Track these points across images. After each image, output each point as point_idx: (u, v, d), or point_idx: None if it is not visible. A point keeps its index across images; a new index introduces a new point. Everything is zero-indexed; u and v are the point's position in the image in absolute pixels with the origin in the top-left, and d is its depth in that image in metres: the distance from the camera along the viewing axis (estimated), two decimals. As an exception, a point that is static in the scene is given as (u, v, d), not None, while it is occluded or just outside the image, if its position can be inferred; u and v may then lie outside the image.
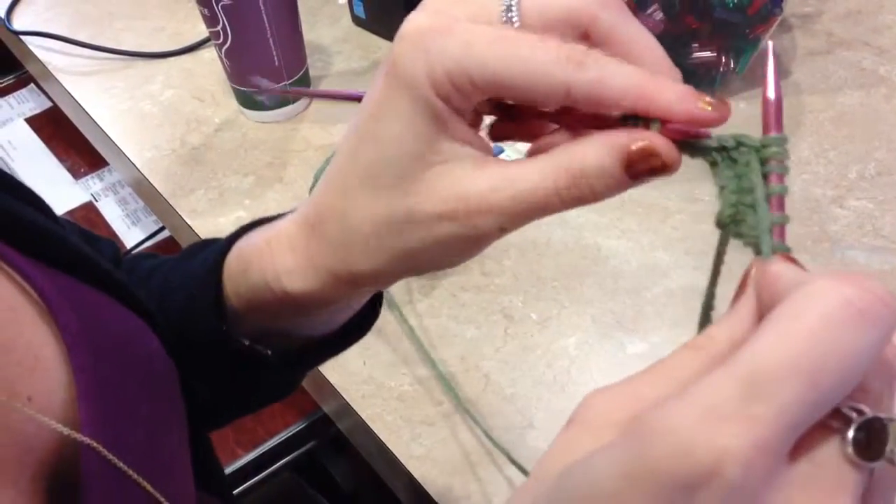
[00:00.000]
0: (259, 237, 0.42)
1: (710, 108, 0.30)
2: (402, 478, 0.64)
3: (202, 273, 0.45)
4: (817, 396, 0.23)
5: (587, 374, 0.67)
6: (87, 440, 0.32)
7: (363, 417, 0.66)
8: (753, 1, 0.81)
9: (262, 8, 0.84)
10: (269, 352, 0.47)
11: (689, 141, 0.31)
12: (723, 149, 0.31)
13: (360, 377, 0.69)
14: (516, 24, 0.32)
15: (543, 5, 0.32)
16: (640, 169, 0.30)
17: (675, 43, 0.85)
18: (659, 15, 0.83)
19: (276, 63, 0.89)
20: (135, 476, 0.34)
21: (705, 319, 0.33)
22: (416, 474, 0.62)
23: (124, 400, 0.36)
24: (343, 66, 1.02)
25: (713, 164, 0.31)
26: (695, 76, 0.88)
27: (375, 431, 0.65)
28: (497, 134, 0.37)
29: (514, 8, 0.32)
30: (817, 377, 0.22)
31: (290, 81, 0.92)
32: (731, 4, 0.81)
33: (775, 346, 0.23)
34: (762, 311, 0.27)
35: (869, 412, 0.24)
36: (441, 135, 0.32)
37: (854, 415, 0.24)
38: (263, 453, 0.89)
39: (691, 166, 0.87)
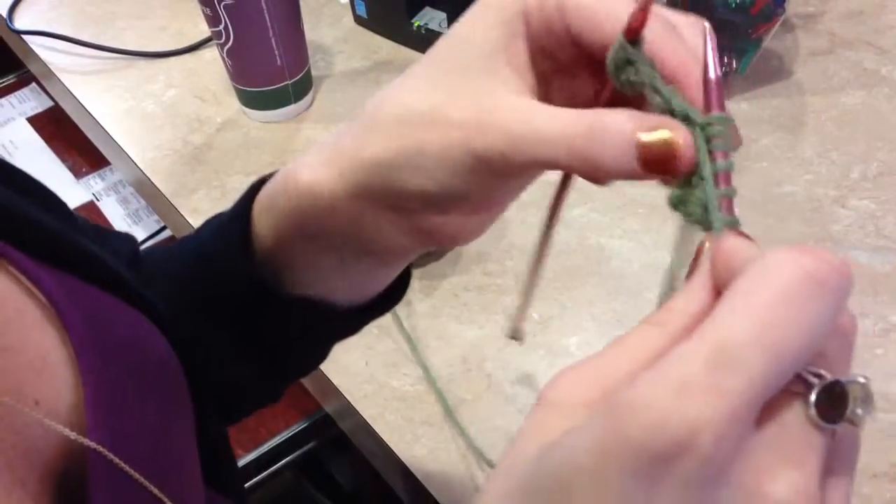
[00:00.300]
0: (285, 172, 0.42)
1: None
2: (404, 478, 0.64)
3: (228, 219, 0.45)
4: (782, 365, 0.24)
5: (589, 374, 0.67)
6: (93, 445, 0.32)
7: (365, 417, 0.66)
8: (756, 1, 0.81)
9: (265, 7, 0.84)
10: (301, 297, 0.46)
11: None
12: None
13: (361, 377, 0.69)
14: None
15: None
16: (653, 160, 0.30)
17: (677, 43, 0.85)
18: (661, 15, 0.83)
19: (279, 63, 0.89)
20: (142, 480, 0.34)
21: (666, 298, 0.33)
22: (418, 474, 0.62)
23: (132, 403, 0.36)
24: (345, 66, 1.02)
25: None
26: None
27: (377, 431, 0.65)
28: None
29: None
30: (781, 347, 0.23)
31: (293, 81, 0.92)
32: (734, 4, 0.81)
33: (740, 318, 0.24)
34: (719, 286, 0.27)
35: (828, 376, 0.25)
36: (505, 51, 0.34)
37: (815, 380, 0.25)
38: (265, 453, 0.89)
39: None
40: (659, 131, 0.30)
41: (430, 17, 1.00)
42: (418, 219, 0.38)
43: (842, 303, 0.24)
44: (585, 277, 0.74)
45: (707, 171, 0.30)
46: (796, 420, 0.25)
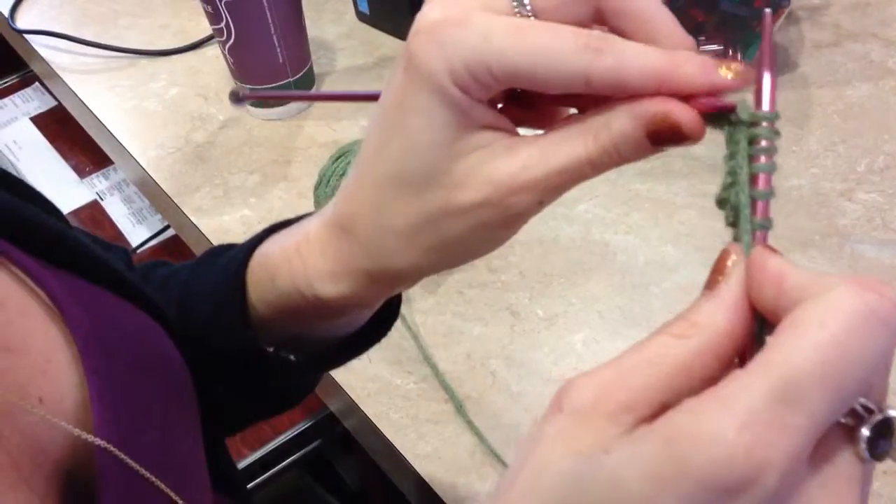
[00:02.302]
0: (285, 241, 0.42)
1: (731, 75, 0.30)
2: (409, 476, 0.64)
3: (224, 281, 0.44)
4: (842, 403, 0.24)
5: (595, 371, 0.67)
6: (101, 442, 0.32)
7: (369, 416, 0.66)
8: (760, -7, 0.80)
9: (266, 4, 0.84)
10: (293, 357, 0.46)
11: (709, 113, 0.30)
12: (723, 121, 0.30)
13: (365, 375, 0.69)
14: (528, 11, 0.31)
15: None
16: (663, 136, 0.30)
17: (681, 36, 0.85)
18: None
19: (280, 60, 0.89)
20: (150, 477, 0.33)
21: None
22: (423, 473, 0.62)
23: (138, 401, 0.36)
24: (347, 63, 1.02)
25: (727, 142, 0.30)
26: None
27: (381, 430, 0.65)
28: (510, 120, 0.36)
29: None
30: (843, 385, 0.24)
31: (295, 78, 0.91)
32: (738, -3, 0.81)
33: (805, 354, 0.23)
34: (762, 308, 0.27)
35: (878, 412, 0.25)
36: (465, 125, 0.32)
37: (866, 414, 0.25)
38: (270, 451, 0.89)
39: (699, 161, 0.87)
40: (658, 113, 0.30)
41: (433, 13, 1.00)
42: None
43: None
44: (590, 274, 0.74)
45: (744, 173, 0.29)
46: (845, 454, 0.25)
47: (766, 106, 0.29)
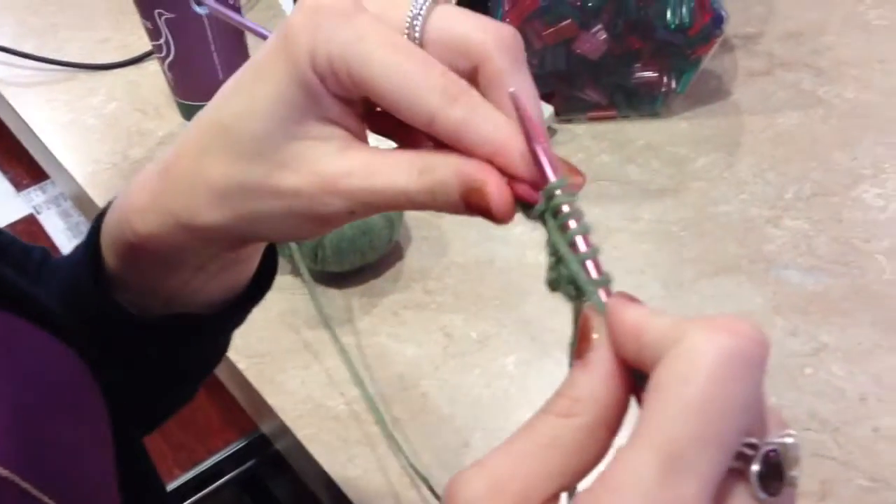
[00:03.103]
0: (124, 189, 0.42)
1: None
2: (339, 499, 0.64)
3: (84, 242, 0.44)
4: (727, 452, 0.24)
5: (525, 393, 0.67)
6: (4, 472, 0.31)
7: (299, 438, 0.66)
8: (694, 22, 0.82)
9: (206, 22, 0.83)
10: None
11: (523, 203, 0.31)
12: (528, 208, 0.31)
13: (297, 397, 0.68)
14: (417, 37, 0.32)
15: (446, 28, 0.32)
16: (473, 205, 0.31)
17: (618, 63, 0.86)
18: (603, 35, 0.84)
19: (221, 77, 0.88)
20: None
21: None
22: (352, 496, 0.62)
23: (45, 429, 0.35)
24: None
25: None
26: (636, 95, 0.89)
27: (311, 452, 0.65)
28: (376, 127, 0.36)
29: (419, 20, 0.32)
30: (724, 435, 0.23)
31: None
32: (673, 25, 0.82)
33: (678, 418, 0.23)
34: (628, 363, 0.27)
35: (761, 444, 0.24)
36: (312, 112, 0.33)
37: (750, 451, 0.24)
38: (203, 471, 0.88)
39: (633, 185, 0.88)
40: (478, 182, 0.30)
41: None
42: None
43: (764, 370, 0.24)
44: (524, 296, 0.75)
45: (564, 247, 0.29)
46: (744, 499, 0.25)
47: (551, 177, 0.30)
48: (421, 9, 0.32)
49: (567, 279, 0.29)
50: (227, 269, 0.43)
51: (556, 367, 0.69)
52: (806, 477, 0.60)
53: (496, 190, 0.30)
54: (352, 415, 0.67)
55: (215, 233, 0.37)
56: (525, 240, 0.79)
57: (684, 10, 0.81)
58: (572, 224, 0.29)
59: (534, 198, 0.30)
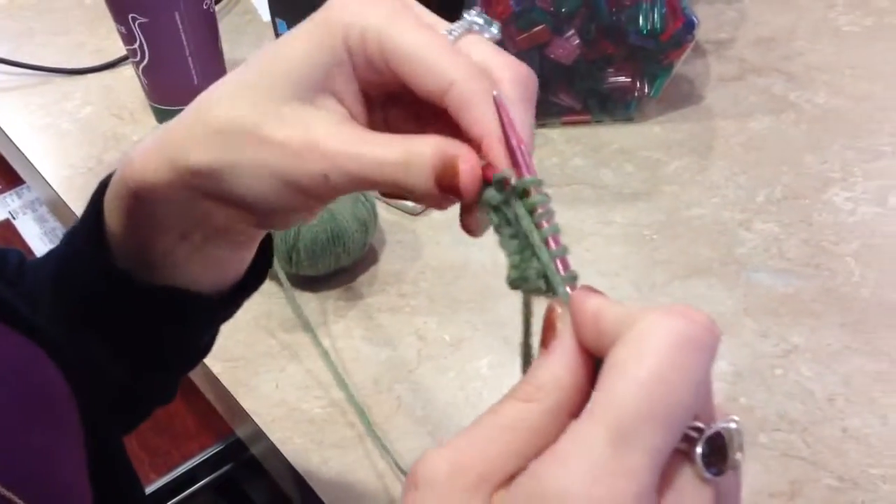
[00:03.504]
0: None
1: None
2: (313, 502, 0.64)
3: (86, 211, 0.44)
4: (675, 430, 0.25)
5: (499, 394, 0.67)
6: None
7: (273, 441, 0.66)
8: (666, 28, 0.83)
9: (180, 26, 0.84)
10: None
11: (487, 184, 0.32)
12: (498, 209, 0.32)
13: (271, 400, 0.69)
14: (452, 38, 0.34)
15: (474, 50, 0.34)
16: (443, 179, 0.32)
17: (591, 68, 0.87)
18: (576, 40, 0.85)
19: (195, 82, 0.88)
20: None
21: (526, 369, 0.33)
22: (326, 499, 0.62)
23: (15, 432, 0.35)
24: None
25: (496, 228, 0.32)
26: (610, 100, 0.90)
27: (285, 455, 0.65)
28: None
29: (453, 34, 0.34)
30: (672, 415, 0.24)
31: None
32: (646, 31, 0.83)
33: (628, 393, 0.24)
34: (589, 350, 0.28)
35: (706, 428, 0.25)
36: (329, 83, 0.34)
37: (696, 434, 0.26)
38: (179, 476, 0.88)
39: (606, 189, 0.89)
40: (452, 156, 0.32)
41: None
42: (246, 213, 0.38)
43: (714, 357, 0.25)
44: (497, 299, 0.75)
45: (536, 239, 0.30)
46: (688, 480, 0.26)
47: (526, 174, 0.31)
48: (457, 29, 0.34)
49: (539, 273, 0.30)
50: (211, 242, 0.43)
51: (530, 369, 0.69)
52: (775, 477, 0.61)
53: (468, 167, 0.31)
54: (326, 417, 0.67)
55: (200, 177, 0.37)
56: (498, 245, 0.79)
57: (656, 15, 0.82)
58: (544, 224, 0.30)
59: (493, 173, 0.31)
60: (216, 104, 0.36)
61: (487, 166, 0.32)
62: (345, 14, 0.33)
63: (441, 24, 0.35)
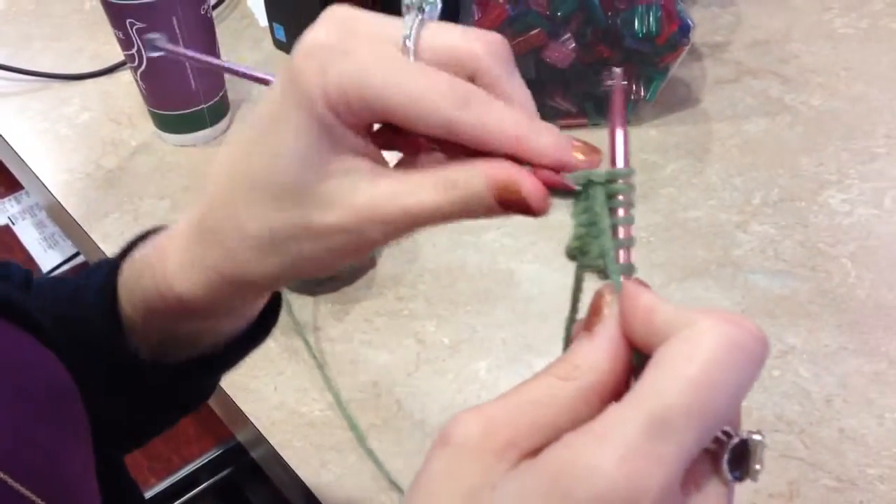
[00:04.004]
0: (155, 241, 0.42)
1: (581, 157, 0.32)
2: (312, 505, 0.64)
3: (97, 286, 0.44)
4: (710, 431, 0.26)
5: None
6: None
7: (273, 444, 0.66)
8: (662, 31, 0.83)
9: (178, 31, 0.84)
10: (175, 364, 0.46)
11: (555, 188, 0.32)
12: (581, 191, 0.32)
13: (270, 403, 0.69)
14: (411, 53, 0.33)
15: (440, 42, 0.33)
16: (510, 204, 0.32)
17: (587, 71, 0.87)
18: (571, 44, 0.85)
19: (193, 87, 0.89)
20: (34, 497, 0.33)
21: (567, 345, 0.34)
22: (325, 501, 0.62)
23: (23, 427, 0.36)
24: (263, 90, 1.02)
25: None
26: (606, 103, 0.90)
27: (285, 458, 0.65)
28: (382, 142, 0.37)
29: (411, 40, 0.33)
30: (710, 416, 0.25)
31: (208, 105, 0.91)
32: (641, 34, 0.84)
33: (674, 387, 0.25)
34: (633, 341, 0.28)
35: (735, 436, 0.27)
36: (335, 148, 0.33)
37: (724, 437, 0.27)
38: (180, 480, 0.88)
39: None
40: (509, 182, 0.31)
41: (349, 43, 1.01)
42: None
43: (761, 368, 0.26)
44: (496, 302, 0.75)
45: (605, 222, 0.31)
46: (711, 480, 0.27)
47: (621, 163, 0.32)
48: (411, 29, 0.33)
49: (600, 252, 0.31)
50: (235, 313, 0.44)
51: (528, 371, 0.69)
52: (774, 478, 0.62)
53: (530, 185, 0.31)
54: (325, 421, 0.67)
55: (264, 282, 0.37)
56: (496, 246, 0.80)
57: (651, 19, 0.82)
58: (620, 212, 0.31)
59: (558, 182, 0.32)
60: (246, 219, 0.35)
61: (542, 172, 0.32)
62: (312, 79, 0.32)
63: (394, 30, 0.33)
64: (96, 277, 0.45)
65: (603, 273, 0.31)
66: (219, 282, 0.38)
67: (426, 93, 0.31)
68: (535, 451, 0.27)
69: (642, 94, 0.89)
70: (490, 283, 0.77)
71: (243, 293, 0.40)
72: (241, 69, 0.48)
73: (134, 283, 0.43)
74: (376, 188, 0.33)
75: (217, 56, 0.91)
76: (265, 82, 0.38)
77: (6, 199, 1.23)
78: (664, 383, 0.25)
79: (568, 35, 0.84)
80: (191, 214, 0.40)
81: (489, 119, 0.31)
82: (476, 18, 0.83)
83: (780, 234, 0.79)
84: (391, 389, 0.69)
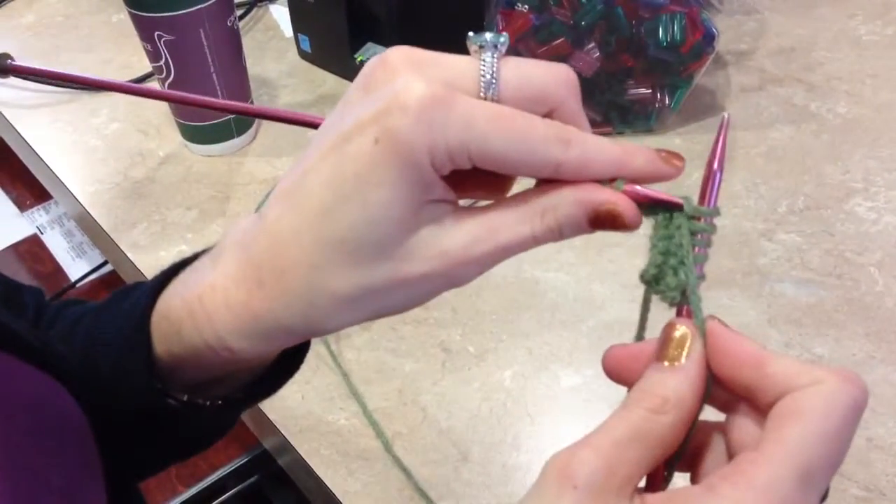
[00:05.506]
0: (186, 292, 0.40)
1: (677, 163, 0.34)
2: (339, 513, 0.64)
3: (128, 333, 0.43)
4: (832, 478, 0.30)
5: (522, 406, 0.68)
6: None
7: (300, 452, 0.66)
8: (686, 39, 0.83)
9: (205, 43, 0.85)
10: (207, 402, 0.45)
11: (645, 203, 0.34)
12: (666, 211, 0.34)
13: (298, 412, 0.69)
14: (494, 98, 0.33)
15: (520, 85, 0.33)
16: (603, 223, 0.33)
17: (611, 80, 0.87)
18: (596, 53, 0.85)
19: (220, 97, 0.90)
20: None
21: None
22: (352, 509, 0.63)
23: (34, 467, 0.35)
24: (289, 100, 1.03)
25: (657, 220, 0.35)
26: (630, 112, 0.90)
27: (312, 466, 0.66)
28: (459, 189, 0.36)
29: (494, 85, 0.33)
30: (837, 466, 0.29)
31: (234, 115, 0.92)
32: (665, 43, 0.84)
33: (817, 443, 0.28)
34: (737, 383, 0.32)
35: None
36: (426, 200, 0.33)
37: None
38: (206, 487, 0.89)
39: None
40: (604, 205, 0.33)
41: (373, 52, 1.02)
42: None
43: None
44: (521, 311, 0.76)
45: (690, 259, 0.33)
46: None
47: (711, 203, 0.34)
48: (492, 72, 0.33)
49: (678, 285, 0.33)
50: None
51: (553, 380, 0.70)
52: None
53: (624, 202, 0.33)
54: (352, 429, 0.68)
55: (336, 329, 0.37)
56: (522, 256, 0.79)
57: (676, 27, 0.82)
58: (696, 249, 0.33)
59: (671, 201, 0.34)
60: (328, 279, 0.34)
61: (635, 192, 0.34)
62: (418, 139, 0.31)
63: (465, 70, 0.33)
64: (126, 318, 0.44)
65: (672, 302, 0.33)
66: (284, 337, 0.38)
67: (530, 138, 0.32)
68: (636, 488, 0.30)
69: (666, 102, 0.89)
70: (515, 292, 0.77)
71: (307, 338, 0.41)
72: (289, 115, 0.47)
73: (173, 336, 0.41)
74: (465, 230, 0.34)
75: (243, 66, 0.92)
76: (314, 126, 0.37)
77: (35, 209, 1.25)
78: (809, 439, 0.28)
79: (592, 44, 0.85)
80: (228, 267, 0.38)
81: (591, 155, 0.33)
82: (500, 27, 0.84)
83: (806, 242, 0.79)
84: (417, 398, 0.70)
